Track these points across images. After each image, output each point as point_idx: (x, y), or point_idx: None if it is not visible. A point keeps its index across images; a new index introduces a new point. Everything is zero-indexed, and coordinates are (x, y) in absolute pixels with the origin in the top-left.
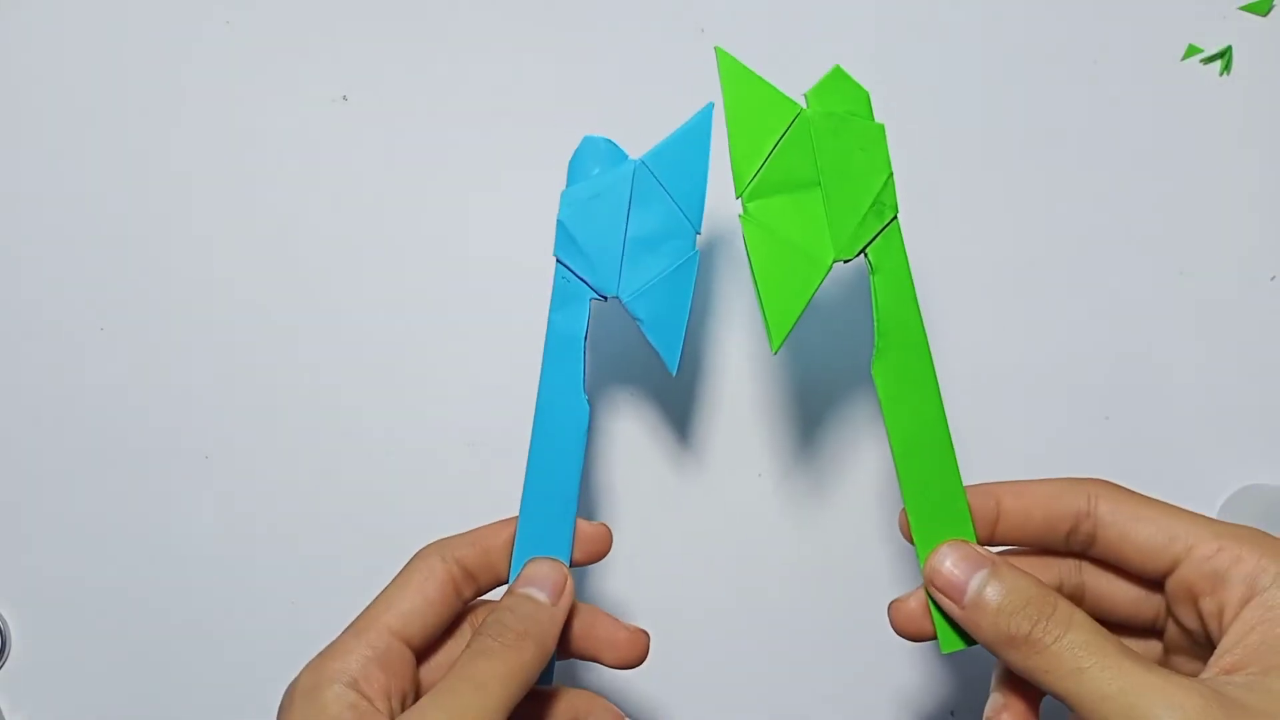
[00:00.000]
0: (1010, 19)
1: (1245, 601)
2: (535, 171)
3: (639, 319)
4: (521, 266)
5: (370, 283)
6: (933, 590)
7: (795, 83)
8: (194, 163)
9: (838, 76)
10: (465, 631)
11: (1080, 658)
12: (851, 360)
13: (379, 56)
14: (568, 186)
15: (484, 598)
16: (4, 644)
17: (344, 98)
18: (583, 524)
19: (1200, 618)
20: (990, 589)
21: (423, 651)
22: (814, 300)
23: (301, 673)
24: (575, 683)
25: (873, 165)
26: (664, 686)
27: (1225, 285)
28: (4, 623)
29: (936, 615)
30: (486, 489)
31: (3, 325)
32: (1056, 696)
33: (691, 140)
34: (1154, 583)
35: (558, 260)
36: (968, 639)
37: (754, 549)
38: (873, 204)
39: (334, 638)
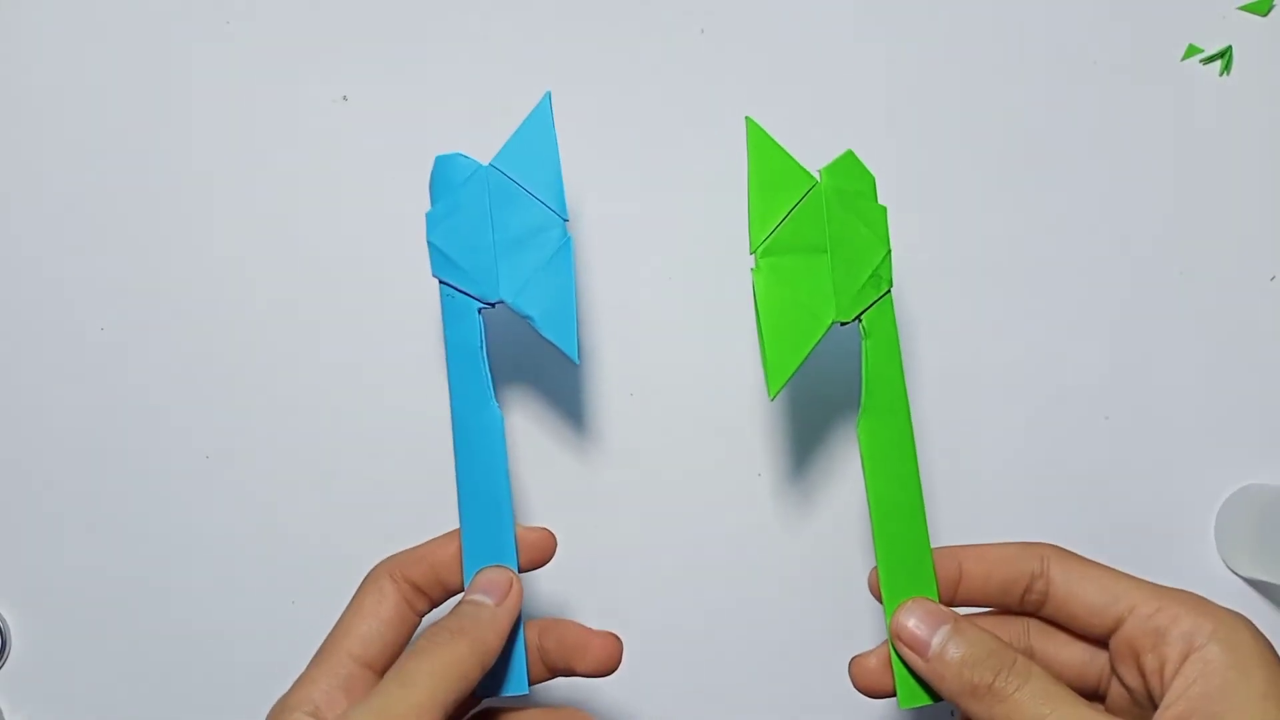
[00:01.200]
0: (1010, 19)
1: (1184, 657)
2: None
3: (528, 316)
4: None
5: (370, 283)
6: (898, 644)
7: (797, 84)
8: (194, 163)
9: (849, 159)
10: None
11: (1040, 705)
12: (851, 364)
13: (379, 56)
14: (431, 207)
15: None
16: (4, 644)
17: (344, 98)
18: (523, 531)
19: (1142, 674)
20: (953, 643)
21: (386, 670)
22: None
23: (272, 708)
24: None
25: (875, 241)
26: (660, 690)
27: (1225, 285)
28: (4, 623)
29: (898, 669)
30: None
31: (3, 325)
32: None
33: (535, 132)
34: (1099, 641)
35: (439, 280)
36: (929, 694)
37: (753, 550)
38: (871, 275)
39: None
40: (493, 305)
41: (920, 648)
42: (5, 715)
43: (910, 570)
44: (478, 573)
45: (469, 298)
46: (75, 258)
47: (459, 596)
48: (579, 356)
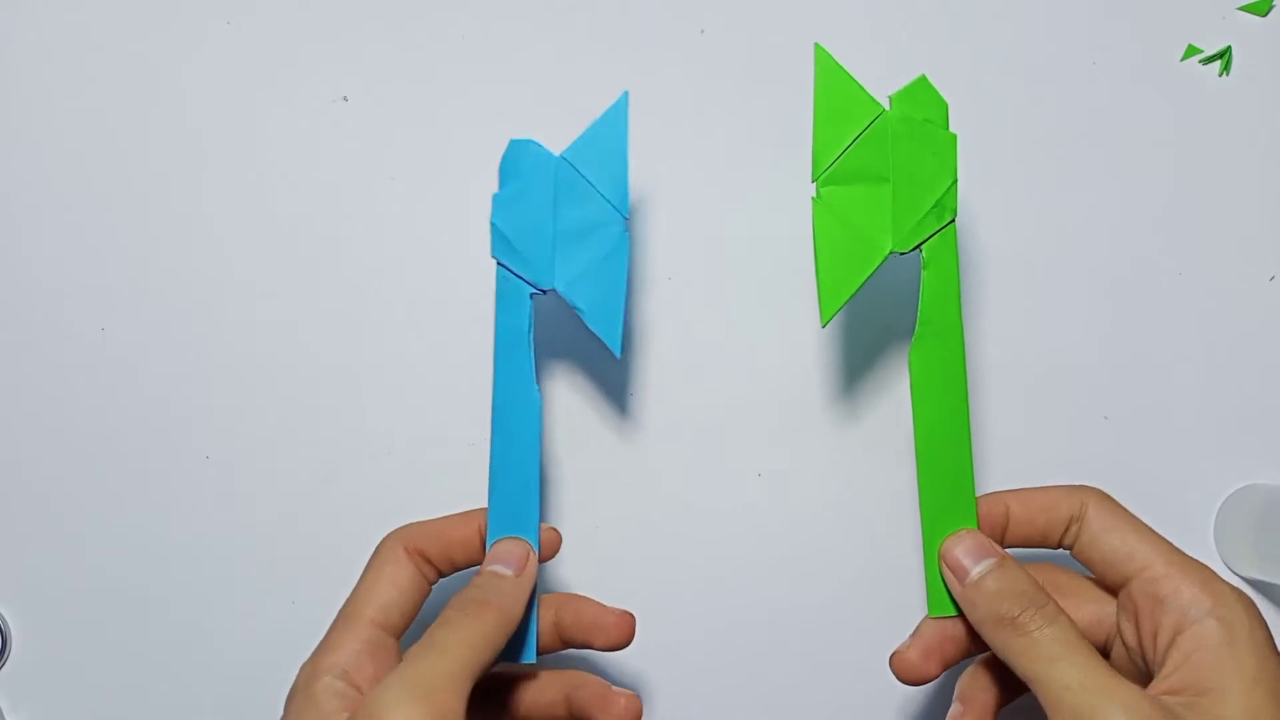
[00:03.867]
0: (1009, 19)
1: (1177, 630)
2: None
3: (578, 308)
4: None
5: (371, 283)
6: (943, 565)
7: (797, 85)
8: (194, 163)
9: (922, 85)
10: None
11: (1055, 648)
12: (850, 363)
13: (379, 56)
14: (498, 189)
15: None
16: (4, 644)
17: (344, 98)
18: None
19: (1139, 635)
20: (993, 575)
21: (402, 635)
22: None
23: (300, 671)
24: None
25: (941, 170)
26: (660, 689)
27: (1225, 285)
28: (4, 623)
29: (933, 581)
30: (486, 489)
31: (3, 325)
32: (1024, 676)
33: (608, 130)
34: (1112, 592)
35: (497, 261)
36: (956, 608)
37: (753, 550)
38: (934, 205)
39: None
40: (544, 292)
41: (961, 573)
42: (5, 715)
43: (951, 496)
44: (496, 543)
45: (523, 282)
46: (75, 258)
47: (474, 569)
48: (620, 351)
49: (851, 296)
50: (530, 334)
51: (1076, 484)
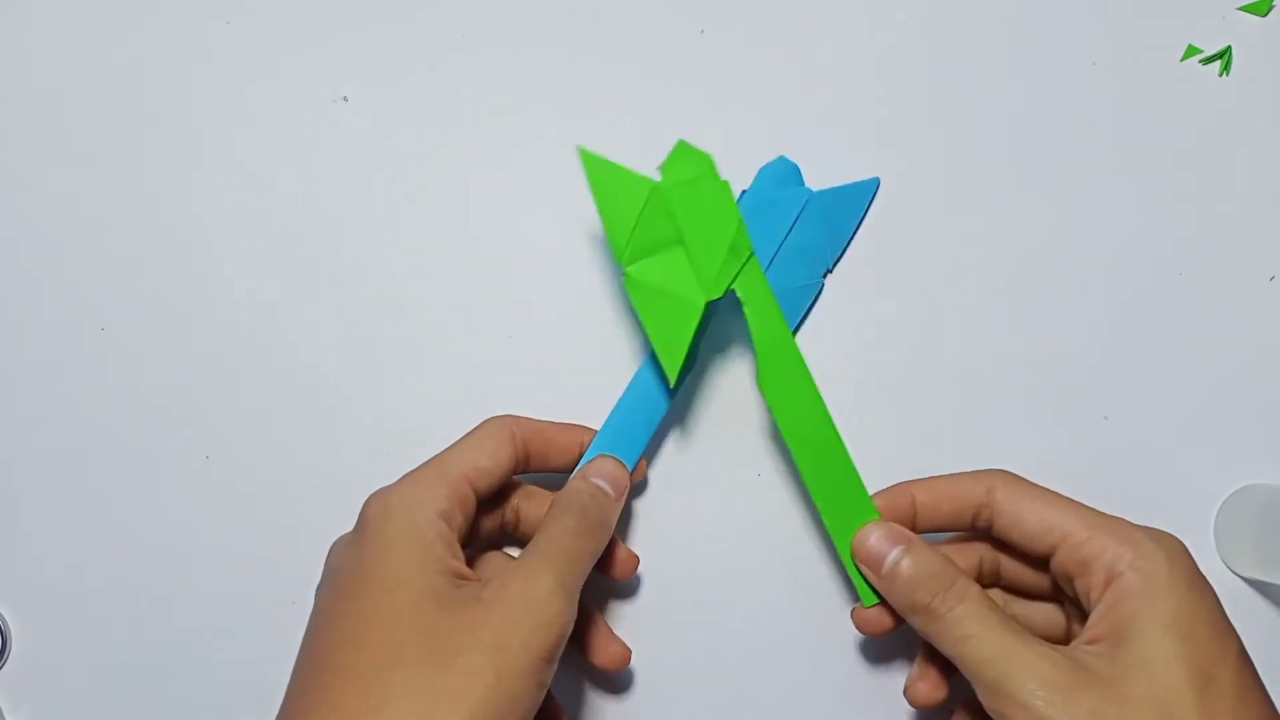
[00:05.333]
0: (1009, 19)
1: (1107, 584)
2: (535, 171)
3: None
4: (521, 265)
5: (371, 282)
6: (857, 559)
7: (797, 85)
8: (194, 163)
9: (682, 149)
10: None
11: (967, 626)
12: (847, 362)
13: (379, 56)
14: (752, 186)
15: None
16: (4, 644)
17: (344, 98)
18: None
19: (1076, 595)
20: (904, 562)
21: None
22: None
23: (394, 489)
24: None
25: (724, 217)
26: (660, 689)
27: (1225, 285)
28: (4, 623)
29: (856, 577)
30: None
31: (3, 325)
32: (949, 657)
33: (856, 196)
34: (1043, 566)
35: None
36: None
37: (753, 549)
38: (729, 249)
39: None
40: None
41: (875, 564)
42: (5, 715)
43: (846, 500)
44: (599, 457)
45: None
46: (75, 258)
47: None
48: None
49: (689, 353)
50: (708, 308)
51: (984, 469)
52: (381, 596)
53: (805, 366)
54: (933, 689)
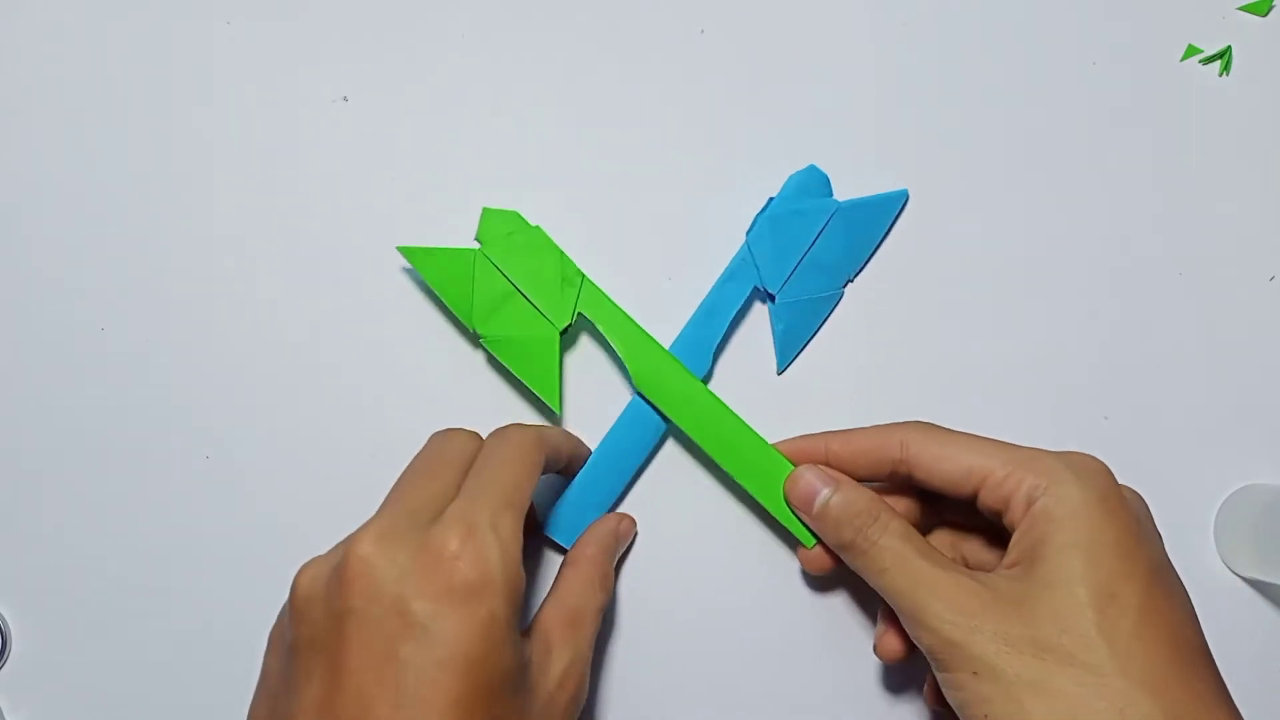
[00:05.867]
0: (1009, 19)
1: (1025, 514)
2: (535, 172)
3: (775, 326)
4: None
5: (371, 282)
6: (790, 502)
7: (797, 85)
8: (194, 163)
9: (488, 214)
10: None
11: (886, 559)
12: (844, 359)
13: (379, 56)
14: (780, 195)
15: None
16: (4, 644)
17: (344, 98)
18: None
19: (1005, 530)
20: (834, 500)
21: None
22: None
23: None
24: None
25: (546, 255)
26: (659, 689)
27: (1225, 285)
28: (4, 623)
29: (791, 523)
30: None
31: (3, 325)
32: (878, 592)
33: (883, 209)
34: (971, 508)
35: (748, 243)
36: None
37: (753, 549)
38: (561, 281)
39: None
40: (766, 294)
41: (807, 505)
42: (5, 715)
43: (760, 462)
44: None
45: (757, 272)
46: (75, 258)
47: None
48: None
49: (560, 384)
50: (732, 315)
51: (902, 421)
52: None
53: (668, 354)
54: (898, 641)
